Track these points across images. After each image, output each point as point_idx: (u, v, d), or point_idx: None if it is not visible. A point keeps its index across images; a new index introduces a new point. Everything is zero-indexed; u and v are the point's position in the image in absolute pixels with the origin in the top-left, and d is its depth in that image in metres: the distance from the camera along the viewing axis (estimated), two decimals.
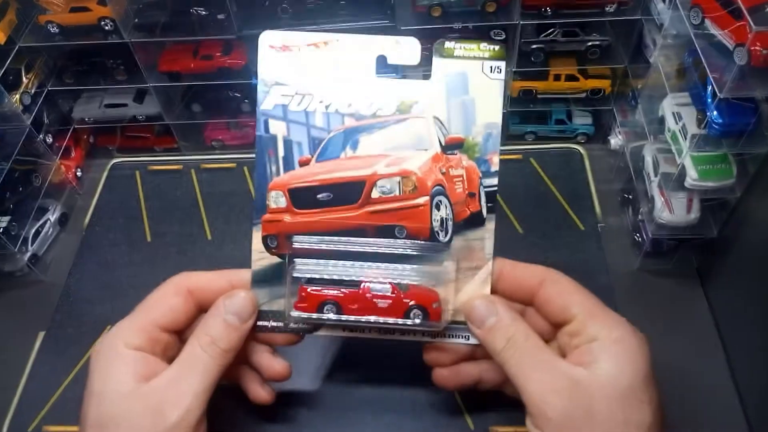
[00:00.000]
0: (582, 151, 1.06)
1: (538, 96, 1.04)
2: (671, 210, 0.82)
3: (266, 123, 0.55)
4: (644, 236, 0.88)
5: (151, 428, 0.48)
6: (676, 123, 0.79)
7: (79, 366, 0.82)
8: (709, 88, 0.72)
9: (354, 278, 0.54)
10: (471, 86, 0.54)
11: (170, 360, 0.53)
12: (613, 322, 0.51)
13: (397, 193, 0.54)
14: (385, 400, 0.75)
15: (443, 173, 0.55)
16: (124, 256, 0.95)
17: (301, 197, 0.55)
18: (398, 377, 0.76)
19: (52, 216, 1.01)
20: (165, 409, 0.48)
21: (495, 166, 0.55)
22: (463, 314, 0.55)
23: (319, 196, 0.55)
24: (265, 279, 0.56)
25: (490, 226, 0.55)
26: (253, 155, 1.07)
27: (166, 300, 0.55)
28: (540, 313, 0.56)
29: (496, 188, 0.55)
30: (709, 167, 0.76)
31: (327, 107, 0.55)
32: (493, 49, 0.54)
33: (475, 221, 0.56)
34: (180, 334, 0.56)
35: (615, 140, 1.04)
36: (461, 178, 0.56)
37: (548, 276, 0.55)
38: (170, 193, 1.05)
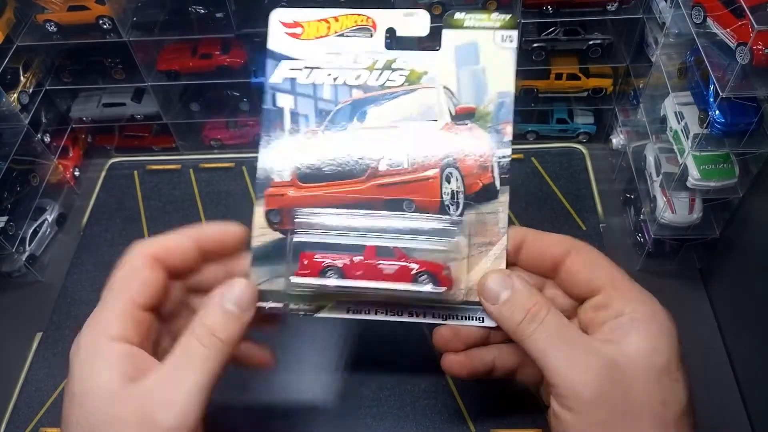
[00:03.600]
0: (583, 150, 1.05)
1: (540, 95, 1.03)
2: (673, 210, 0.82)
3: (274, 96, 0.54)
4: (646, 236, 0.88)
5: None
6: (678, 122, 0.78)
7: None
8: (711, 87, 0.71)
9: (358, 244, 0.51)
10: (482, 55, 0.53)
11: (155, 345, 0.49)
12: (641, 295, 0.48)
13: (405, 165, 0.53)
14: (385, 403, 0.74)
15: None
16: (122, 256, 0.95)
17: (307, 170, 0.54)
18: (399, 379, 0.76)
19: (50, 216, 1.01)
20: (156, 413, 0.43)
21: (508, 136, 0.53)
22: (477, 292, 0.51)
23: (325, 169, 0.54)
24: (265, 256, 0.52)
25: (504, 198, 0.52)
26: (253, 155, 1.07)
27: (138, 275, 0.49)
28: (563, 286, 0.52)
29: (509, 158, 0.53)
30: (711, 167, 0.76)
31: (335, 79, 0.54)
32: (504, 18, 0.53)
33: (488, 194, 0.53)
34: (157, 312, 0.50)
35: (617, 140, 1.03)
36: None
37: (575, 246, 0.51)
38: (168, 193, 1.04)
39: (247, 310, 0.49)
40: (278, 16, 0.55)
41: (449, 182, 0.53)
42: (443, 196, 0.52)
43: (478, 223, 0.52)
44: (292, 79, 0.55)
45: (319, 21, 0.55)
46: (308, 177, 0.53)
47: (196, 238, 0.51)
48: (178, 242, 0.51)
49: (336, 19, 0.54)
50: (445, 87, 0.53)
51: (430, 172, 0.52)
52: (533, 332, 0.47)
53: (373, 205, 0.53)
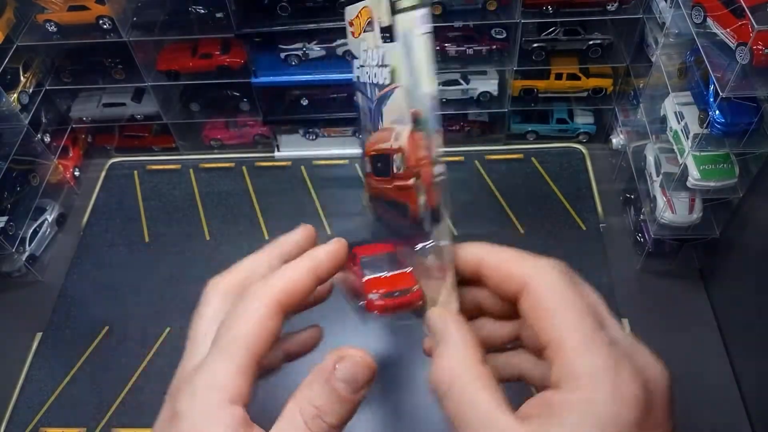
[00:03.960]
0: (583, 150, 1.06)
1: (540, 95, 1.03)
2: (673, 210, 0.82)
3: (356, 95, 0.56)
4: (646, 236, 0.88)
5: None
6: (678, 122, 0.78)
7: (77, 367, 0.82)
8: (711, 87, 0.71)
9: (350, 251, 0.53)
10: (414, 46, 0.45)
11: None
12: (590, 368, 0.37)
13: (402, 170, 0.53)
14: (385, 403, 0.74)
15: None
16: (122, 256, 0.95)
17: (373, 164, 0.55)
18: (399, 379, 0.76)
19: (50, 216, 1.01)
20: None
21: (437, 150, 0.45)
22: None
23: (378, 164, 0.55)
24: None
25: (445, 225, 0.46)
26: (251, 155, 1.08)
27: (264, 329, 0.42)
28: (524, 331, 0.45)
29: (443, 177, 0.45)
30: (711, 167, 0.76)
31: (369, 77, 0.53)
32: None
33: (435, 215, 0.47)
34: None
35: (617, 140, 1.03)
36: (426, 161, 0.47)
37: (532, 279, 0.42)
38: (168, 193, 1.04)
39: (360, 390, 0.43)
40: (347, 15, 0.53)
41: (419, 193, 0.48)
42: (419, 207, 0.48)
43: (439, 247, 0.47)
44: (358, 78, 0.56)
45: (355, 18, 0.55)
46: (374, 170, 0.55)
47: (316, 272, 0.46)
48: (301, 284, 0.45)
49: (360, 14, 0.53)
50: (404, 86, 0.47)
51: (410, 181, 0.49)
52: (443, 396, 0.41)
53: (397, 205, 0.53)
